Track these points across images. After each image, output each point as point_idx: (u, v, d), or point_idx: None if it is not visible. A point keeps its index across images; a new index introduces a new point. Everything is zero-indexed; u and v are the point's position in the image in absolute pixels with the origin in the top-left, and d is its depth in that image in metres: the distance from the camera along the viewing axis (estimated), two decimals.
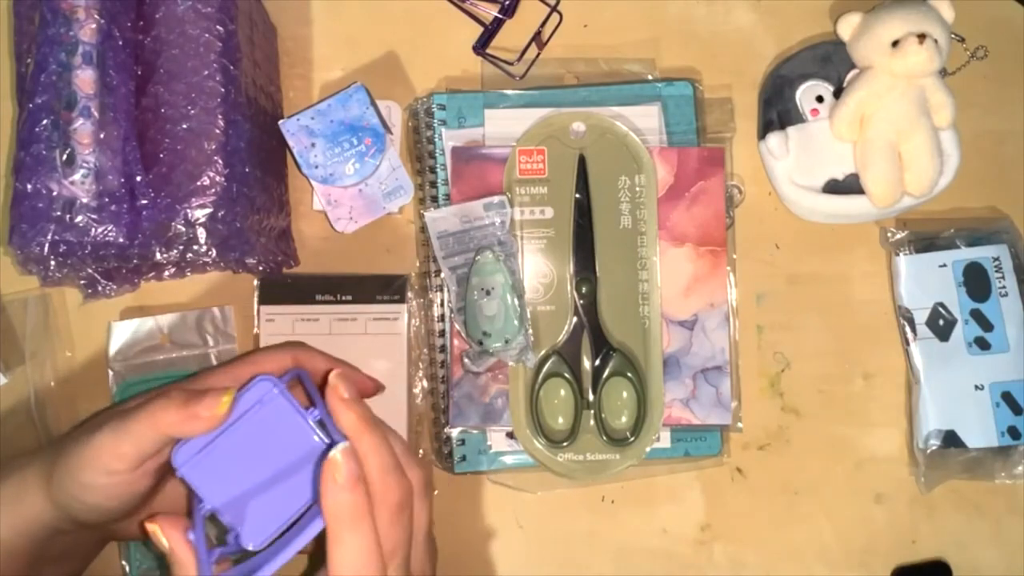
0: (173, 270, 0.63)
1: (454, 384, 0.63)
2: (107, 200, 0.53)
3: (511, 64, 0.67)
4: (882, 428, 0.66)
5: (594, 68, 0.68)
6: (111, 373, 0.64)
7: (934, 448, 0.64)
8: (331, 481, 0.41)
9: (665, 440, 0.64)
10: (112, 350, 0.64)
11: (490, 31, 0.68)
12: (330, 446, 0.42)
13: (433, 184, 0.65)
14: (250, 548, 0.45)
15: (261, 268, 0.62)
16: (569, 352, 0.63)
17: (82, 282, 0.59)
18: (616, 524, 0.65)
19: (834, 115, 0.65)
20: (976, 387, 0.64)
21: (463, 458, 0.64)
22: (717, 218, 0.64)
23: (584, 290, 0.63)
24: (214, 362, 0.65)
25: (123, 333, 0.64)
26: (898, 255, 0.66)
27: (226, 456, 0.46)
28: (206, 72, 0.55)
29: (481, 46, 0.68)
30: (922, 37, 0.62)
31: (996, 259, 0.65)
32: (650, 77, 0.68)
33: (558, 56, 0.68)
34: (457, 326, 0.63)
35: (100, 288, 0.60)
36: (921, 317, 0.65)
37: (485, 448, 0.64)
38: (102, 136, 0.53)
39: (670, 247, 0.64)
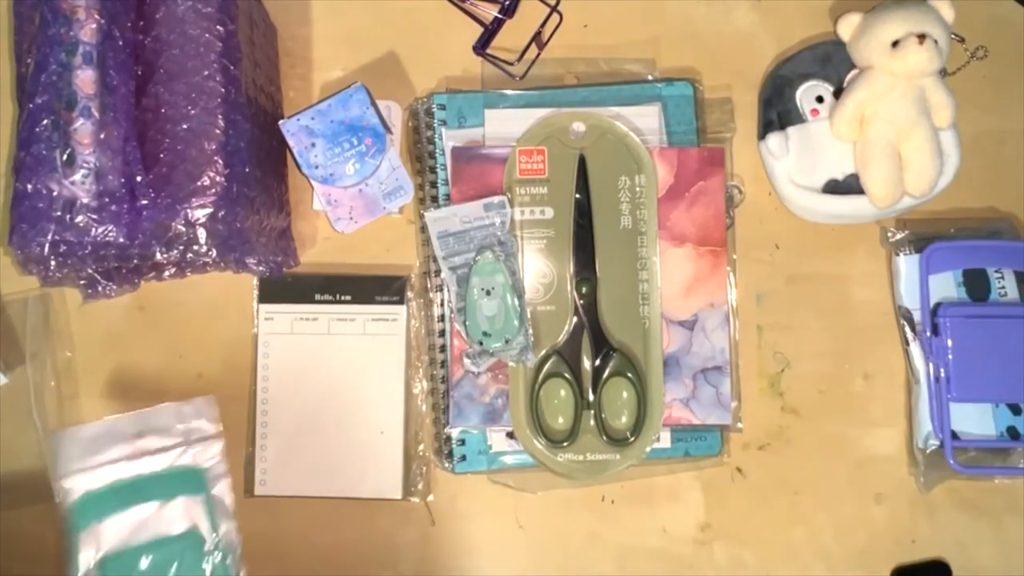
0: (173, 270, 0.63)
1: (454, 384, 0.63)
2: (107, 200, 0.53)
3: (511, 64, 0.67)
4: (882, 428, 0.66)
5: (594, 68, 0.68)
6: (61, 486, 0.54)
7: (934, 448, 0.64)
8: None
9: (665, 440, 0.64)
10: (62, 460, 0.54)
11: (490, 31, 0.68)
12: None
13: (433, 184, 0.65)
14: None
15: (261, 268, 0.62)
16: (569, 352, 0.63)
17: (82, 282, 0.59)
18: (616, 524, 0.65)
19: (834, 115, 0.65)
20: None
21: (463, 458, 0.64)
22: (717, 218, 0.64)
23: (584, 290, 0.63)
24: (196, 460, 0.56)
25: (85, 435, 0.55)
26: (898, 255, 0.66)
27: None
28: (206, 72, 0.55)
29: (481, 46, 0.68)
30: (922, 37, 0.62)
31: None
32: (650, 77, 0.68)
33: (558, 56, 0.68)
34: (457, 326, 0.63)
35: (100, 288, 0.60)
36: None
37: (485, 448, 0.64)
38: (102, 136, 0.53)
39: (670, 247, 0.64)
